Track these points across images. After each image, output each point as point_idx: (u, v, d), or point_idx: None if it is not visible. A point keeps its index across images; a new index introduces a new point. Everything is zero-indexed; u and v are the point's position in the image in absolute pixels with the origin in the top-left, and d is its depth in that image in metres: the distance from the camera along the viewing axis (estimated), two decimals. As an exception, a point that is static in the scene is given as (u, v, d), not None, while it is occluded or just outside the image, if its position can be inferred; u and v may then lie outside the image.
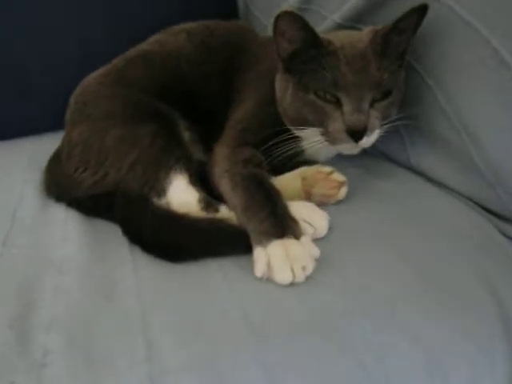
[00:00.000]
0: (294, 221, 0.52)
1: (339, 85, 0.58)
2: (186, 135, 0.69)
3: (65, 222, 0.64)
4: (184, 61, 0.74)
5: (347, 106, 0.58)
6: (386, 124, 0.62)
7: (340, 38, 0.62)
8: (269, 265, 0.47)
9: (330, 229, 0.56)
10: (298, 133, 0.63)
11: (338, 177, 0.62)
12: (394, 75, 0.60)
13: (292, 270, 0.46)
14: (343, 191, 0.61)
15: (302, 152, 0.66)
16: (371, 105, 0.59)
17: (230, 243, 0.52)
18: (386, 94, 0.60)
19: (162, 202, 0.61)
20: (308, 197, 0.62)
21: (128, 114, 0.67)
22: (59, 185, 0.69)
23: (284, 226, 0.50)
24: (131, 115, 0.66)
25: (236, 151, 0.63)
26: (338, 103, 0.59)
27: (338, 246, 0.53)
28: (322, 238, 0.55)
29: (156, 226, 0.55)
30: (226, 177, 0.60)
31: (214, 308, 0.45)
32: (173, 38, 0.77)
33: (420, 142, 0.66)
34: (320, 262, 0.49)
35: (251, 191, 0.55)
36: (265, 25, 0.94)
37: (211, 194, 0.61)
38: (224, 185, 0.60)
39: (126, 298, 0.46)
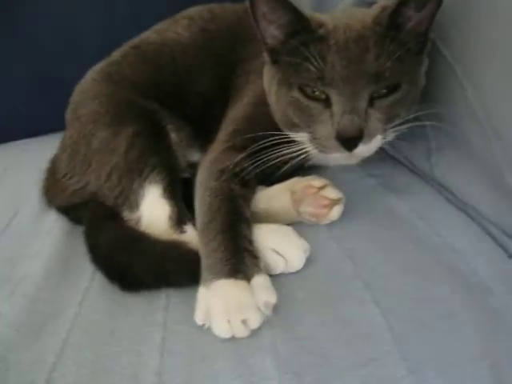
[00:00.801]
0: (252, 255, 0.43)
1: (326, 78, 0.46)
2: (175, 136, 0.63)
3: (49, 233, 0.61)
4: (179, 52, 0.66)
5: (337, 106, 0.46)
6: (395, 126, 0.49)
7: (337, 18, 0.50)
8: (208, 312, 0.39)
9: (311, 260, 0.46)
10: (291, 136, 0.53)
11: (332, 193, 0.51)
12: (403, 64, 0.46)
13: (230, 323, 0.38)
14: (336, 211, 0.50)
15: (306, 156, 0.55)
16: (370, 103, 0.46)
17: (182, 274, 0.45)
18: (392, 89, 0.47)
19: (135, 216, 0.55)
20: (297, 214, 0.52)
21: (113, 115, 0.61)
22: (49, 191, 0.66)
23: (235, 263, 0.42)
24: (116, 116, 0.61)
25: (219, 158, 0.55)
26: (327, 102, 0.47)
27: (314, 286, 0.43)
28: (299, 273, 0.45)
29: (111, 248, 0.50)
30: (198, 189, 0.53)
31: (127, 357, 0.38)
32: (174, 25, 0.70)
33: (447, 149, 0.52)
34: (280, 307, 0.40)
35: (213, 212, 0.48)
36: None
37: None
38: (196, 199, 0.52)
39: (54, 331, 0.42)
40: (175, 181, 0.57)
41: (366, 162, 0.59)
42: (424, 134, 0.54)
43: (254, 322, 0.38)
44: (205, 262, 0.43)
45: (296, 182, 0.53)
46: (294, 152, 0.50)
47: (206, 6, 0.73)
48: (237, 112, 0.60)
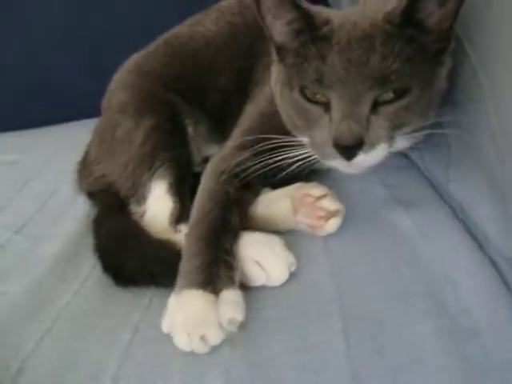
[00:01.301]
0: (228, 267, 0.43)
1: (325, 81, 0.43)
2: (192, 130, 0.63)
3: (74, 216, 0.66)
4: (203, 46, 0.66)
5: (336, 111, 0.43)
6: (410, 133, 0.45)
7: (347, 14, 0.46)
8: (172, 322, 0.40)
9: (295, 275, 0.44)
10: (298, 140, 0.50)
11: (330, 204, 0.48)
12: (415, 65, 0.42)
13: (190, 337, 0.38)
14: (333, 223, 0.48)
15: (311, 160, 0.53)
16: (374, 108, 0.42)
17: (166, 277, 0.46)
18: (400, 94, 0.42)
19: (140, 209, 0.57)
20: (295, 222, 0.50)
21: (137, 106, 0.63)
22: (80, 175, 0.70)
23: (208, 274, 0.42)
24: (139, 108, 0.63)
25: (225, 157, 0.55)
26: (327, 106, 0.44)
27: (289, 305, 0.42)
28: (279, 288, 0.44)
29: (110, 241, 0.52)
30: (199, 188, 0.53)
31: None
32: (204, 18, 0.69)
33: (464, 163, 0.46)
34: (249, 325, 0.40)
35: (202, 214, 0.48)
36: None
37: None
38: (196, 196, 0.52)
39: (42, 319, 0.45)
40: (183, 177, 0.57)
41: (385, 168, 0.56)
42: (446, 142, 0.48)
43: (214, 338, 0.38)
44: (182, 266, 0.44)
45: (297, 188, 0.51)
46: (298, 155, 0.48)
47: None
48: (253, 108, 0.59)
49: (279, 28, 0.47)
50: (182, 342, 0.38)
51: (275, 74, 0.51)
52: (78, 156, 0.73)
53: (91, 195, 0.65)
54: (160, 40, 0.71)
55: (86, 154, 0.71)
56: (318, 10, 0.47)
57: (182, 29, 0.70)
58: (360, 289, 0.42)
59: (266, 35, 0.49)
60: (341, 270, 0.44)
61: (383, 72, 0.41)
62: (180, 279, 0.43)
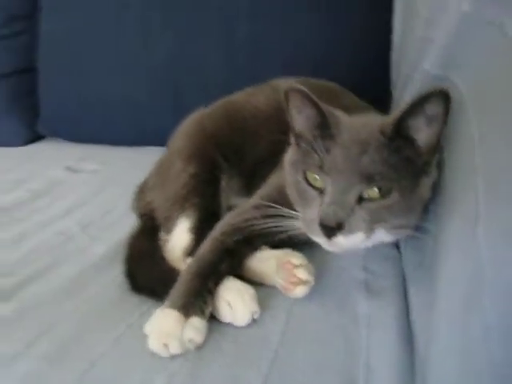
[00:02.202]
0: (204, 301, 0.55)
1: (325, 168, 0.54)
2: (224, 184, 0.77)
3: (125, 228, 0.81)
4: (252, 115, 0.80)
5: (327, 196, 0.53)
6: (391, 229, 0.54)
7: (353, 121, 0.58)
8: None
9: (256, 322, 0.56)
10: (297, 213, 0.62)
11: (303, 274, 0.59)
12: (398, 172, 0.51)
13: (158, 342, 0.51)
14: (299, 291, 0.58)
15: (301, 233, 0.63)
16: (359, 201, 0.52)
17: (164, 292, 0.58)
18: (383, 194, 0.52)
19: (166, 237, 0.72)
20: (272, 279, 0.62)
21: (188, 155, 0.79)
22: (136, 197, 0.88)
23: (186, 302, 0.54)
24: (189, 157, 0.78)
25: (241, 212, 0.67)
26: (322, 191, 0.54)
27: (230, 351, 0.52)
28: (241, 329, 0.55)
29: (134, 255, 0.67)
30: (212, 232, 0.66)
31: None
32: (259, 91, 0.84)
33: (424, 278, 0.53)
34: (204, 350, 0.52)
35: (201, 255, 0.61)
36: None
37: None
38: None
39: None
40: (206, 221, 0.71)
41: (372, 255, 0.65)
42: (424, 246, 0.54)
43: (173, 348, 0.51)
44: (173, 289, 0.57)
45: (284, 254, 0.62)
46: (295, 226, 0.59)
47: (292, 78, 0.84)
48: (274, 178, 0.71)
49: (300, 120, 0.59)
50: (152, 344, 0.51)
51: (289, 155, 0.63)
52: (141, 177, 0.88)
53: (141, 216, 0.81)
54: (221, 101, 0.86)
55: (146, 180, 0.88)
56: (333, 111, 0.58)
57: (239, 96, 0.85)
58: (292, 363, 0.50)
59: (289, 123, 0.61)
60: (288, 337, 0.53)
61: (370, 172, 0.51)
62: (168, 298, 0.56)
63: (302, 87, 0.56)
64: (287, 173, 0.61)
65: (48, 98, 1.31)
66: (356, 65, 1.08)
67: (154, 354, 0.51)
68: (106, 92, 1.23)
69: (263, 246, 0.66)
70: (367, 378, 0.48)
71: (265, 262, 0.63)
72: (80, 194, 1.00)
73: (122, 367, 0.50)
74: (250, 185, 0.76)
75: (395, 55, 0.94)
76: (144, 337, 0.53)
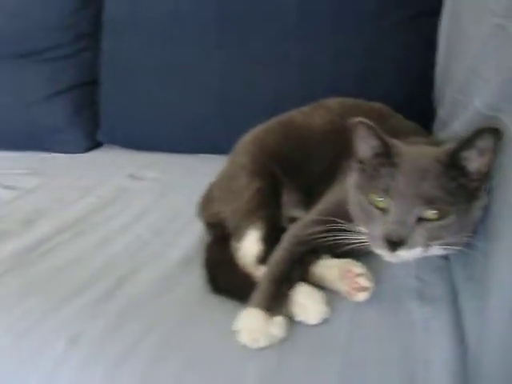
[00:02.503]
0: (282, 303, 0.65)
1: (390, 192, 0.62)
2: (285, 197, 0.87)
3: (193, 234, 0.92)
4: (309, 135, 0.89)
5: (391, 215, 0.61)
6: (444, 245, 0.62)
7: (413, 150, 0.66)
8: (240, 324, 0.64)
9: (324, 323, 0.65)
10: (357, 228, 0.71)
11: (364, 282, 0.68)
12: (455, 197, 0.59)
13: (248, 336, 0.61)
14: (361, 296, 0.67)
15: (364, 246, 0.71)
16: (419, 221, 0.60)
17: (243, 296, 0.69)
18: (440, 216, 0.60)
19: (237, 245, 0.82)
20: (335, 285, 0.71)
21: (251, 170, 0.88)
22: (202, 205, 0.98)
23: (269, 303, 0.65)
24: (252, 172, 0.88)
25: (302, 226, 0.77)
26: (384, 210, 0.63)
27: (303, 344, 0.62)
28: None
29: (214, 262, 0.78)
30: (279, 243, 0.75)
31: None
32: (314, 111, 0.92)
33: (472, 289, 0.62)
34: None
35: (275, 265, 0.71)
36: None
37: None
38: (276, 249, 0.75)
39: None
40: (272, 231, 0.80)
41: (424, 265, 0.73)
42: (474, 261, 0.62)
43: (262, 342, 0.61)
44: (256, 293, 0.67)
45: (345, 263, 0.72)
46: (355, 239, 0.68)
47: (342, 99, 0.93)
48: (332, 195, 0.81)
49: (364, 149, 0.68)
50: (243, 338, 0.62)
51: (352, 178, 0.71)
52: (200, 184, 0.96)
53: (208, 224, 0.91)
54: (276, 120, 0.94)
55: (210, 190, 0.97)
56: (395, 142, 0.67)
57: (295, 116, 0.94)
58: (362, 350, 0.60)
59: (353, 150, 0.70)
60: (356, 330, 0.63)
61: (429, 196, 0.59)
62: (253, 300, 0.66)
63: (369, 121, 0.65)
64: (352, 194, 0.70)
65: (108, 109, 1.42)
66: (400, 81, 1.16)
67: (244, 346, 0.61)
68: (163, 104, 1.34)
69: (324, 256, 0.75)
70: (426, 374, 0.57)
71: (328, 269, 0.73)
72: (145, 201, 1.09)
73: (220, 355, 0.61)
74: (307, 199, 0.85)
75: (439, 75, 1.02)
76: (230, 332, 0.63)
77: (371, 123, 0.65)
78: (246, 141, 0.95)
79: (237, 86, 1.27)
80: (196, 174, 1.18)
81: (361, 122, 0.66)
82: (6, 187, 1.19)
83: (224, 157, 1.17)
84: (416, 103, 1.11)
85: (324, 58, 1.19)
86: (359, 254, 0.72)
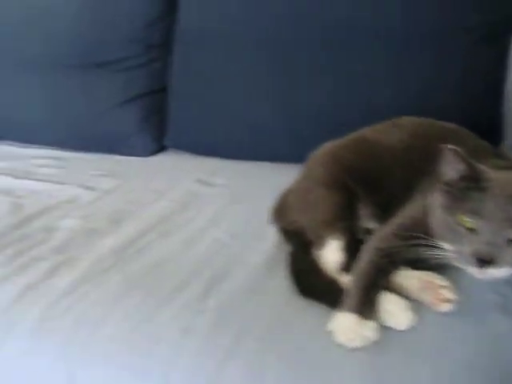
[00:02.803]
0: (372, 308, 0.71)
1: (480, 215, 0.67)
2: (363, 210, 0.92)
3: (268, 240, 0.99)
4: (384, 153, 0.93)
5: (482, 235, 0.66)
6: None
7: (501, 176, 0.71)
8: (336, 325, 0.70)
9: (411, 329, 0.71)
10: (439, 244, 0.76)
11: (448, 294, 0.73)
12: None
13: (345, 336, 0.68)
14: (446, 306, 0.72)
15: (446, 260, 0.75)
16: (509, 242, 0.65)
17: (330, 301, 0.75)
18: None
19: (319, 253, 0.88)
20: (417, 296, 0.76)
21: (327, 183, 0.93)
22: (277, 212, 1.04)
23: (360, 308, 0.70)
24: (328, 185, 0.93)
25: (383, 238, 0.83)
26: (473, 230, 0.68)
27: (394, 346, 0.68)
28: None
29: (299, 267, 0.85)
30: (362, 254, 0.81)
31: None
32: (389, 129, 0.98)
33: None
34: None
35: (361, 274, 0.76)
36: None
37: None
38: (359, 259, 0.81)
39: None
40: (351, 241, 0.86)
41: (503, 281, 0.78)
42: None
43: (357, 342, 0.67)
44: (346, 299, 0.73)
45: (426, 275, 0.77)
46: (437, 254, 0.73)
47: (418, 119, 0.98)
48: (409, 210, 0.86)
49: (450, 171, 0.73)
50: (339, 338, 0.68)
51: (436, 198, 0.76)
52: (267, 191, 1.02)
53: (285, 232, 0.98)
54: (350, 138, 0.99)
55: (283, 199, 1.03)
56: (481, 167, 0.71)
57: (368, 133, 0.99)
58: (449, 356, 0.66)
59: (438, 173, 0.75)
60: (441, 337, 0.69)
61: None
62: (345, 305, 0.72)
63: (457, 148, 0.70)
64: (437, 213, 0.75)
65: (176, 116, 1.50)
66: (466, 97, 1.21)
67: (339, 346, 0.68)
68: (228, 112, 1.42)
69: (404, 267, 0.81)
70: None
71: (409, 280, 0.78)
72: (216, 206, 1.16)
73: (317, 353, 0.68)
74: (381, 213, 0.91)
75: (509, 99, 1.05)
76: (323, 332, 0.70)
77: (459, 150, 0.70)
78: (321, 154, 1.01)
79: (303, 99, 1.33)
80: (263, 182, 1.25)
81: (449, 148, 0.71)
82: (87, 188, 1.28)
83: (287, 166, 1.24)
84: (482, 122, 1.14)
85: (391, 74, 1.24)
86: (436, 267, 0.77)
